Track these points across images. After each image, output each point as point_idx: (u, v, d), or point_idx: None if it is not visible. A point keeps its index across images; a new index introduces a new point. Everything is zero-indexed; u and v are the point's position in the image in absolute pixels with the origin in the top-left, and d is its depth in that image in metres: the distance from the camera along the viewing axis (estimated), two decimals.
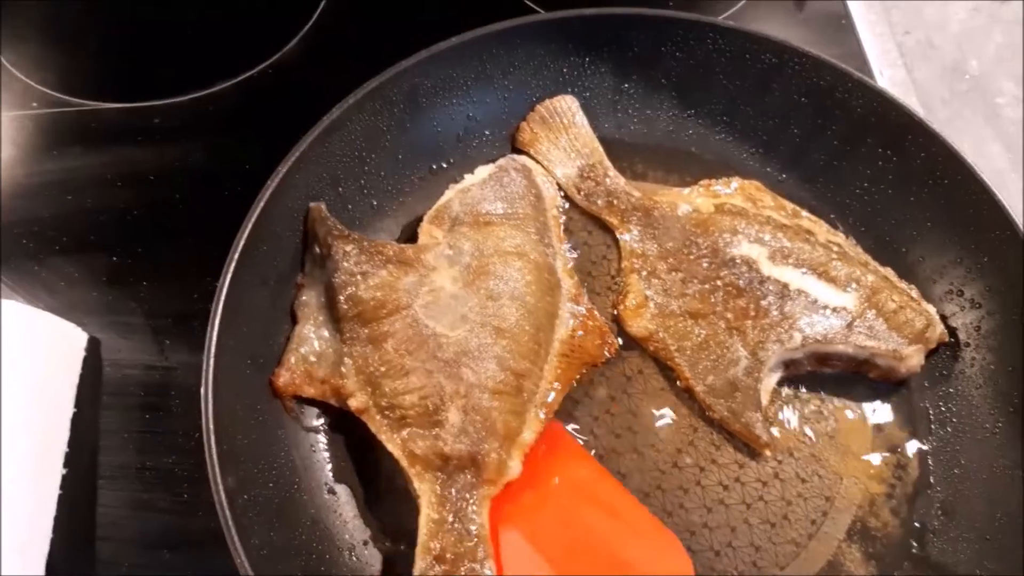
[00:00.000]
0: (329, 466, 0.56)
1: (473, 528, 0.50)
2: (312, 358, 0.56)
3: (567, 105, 0.68)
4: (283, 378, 0.55)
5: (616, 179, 0.66)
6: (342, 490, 0.55)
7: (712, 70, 0.68)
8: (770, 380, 0.59)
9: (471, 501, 0.51)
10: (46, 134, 0.72)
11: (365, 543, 0.54)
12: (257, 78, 0.76)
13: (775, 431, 0.58)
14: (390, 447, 0.52)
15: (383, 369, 0.53)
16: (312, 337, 0.56)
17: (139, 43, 0.80)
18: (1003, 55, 0.92)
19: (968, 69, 0.91)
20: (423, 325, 0.55)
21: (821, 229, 0.63)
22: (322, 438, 0.56)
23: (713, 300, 0.60)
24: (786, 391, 0.60)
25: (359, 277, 0.55)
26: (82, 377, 0.59)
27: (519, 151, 0.68)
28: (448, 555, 0.49)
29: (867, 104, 0.64)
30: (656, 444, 0.58)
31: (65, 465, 0.56)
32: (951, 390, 0.59)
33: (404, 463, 0.52)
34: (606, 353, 0.59)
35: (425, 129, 0.65)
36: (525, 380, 0.55)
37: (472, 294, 0.56)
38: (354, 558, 0.53)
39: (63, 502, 0.54)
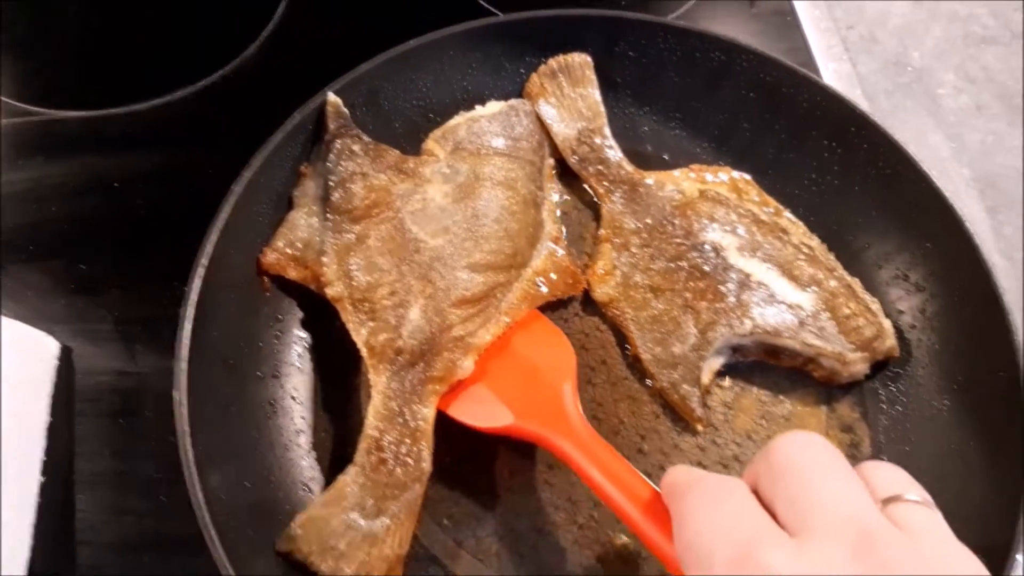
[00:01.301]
0: (304, 464, 0.57)
1: (414, 423, 0.53)
2: (299, 244, 0.59)
3: (580, 63, 0.69)
4: (269, 257, 0.58)
5: (613, 149, 0.68)
6: (317, 488, 0.56)
7: (664, 68, 0.70)
8: (715, 361, 0.61)
9: (417, 396, 0.54)
10: (8, 144, 0.71)
11: None
12: (218, 83, 0.76)
13: (733, 415, 0.60)
14: (355, 339, 0.55)
15: (362, 263, 0.56)
16: (303, 225, 0.59)
17: (98, 51, 0.80)
18: (943, 48, 0.95)
19: (910, 62, 0.94)
20: (407, 229, 0.58)
21: (798, 231, 0.65)
22: (296, 438, 0.58)
23: (675, 278, 0.62)
24: (742, 376, 0.62)
25: (358, 176, 0.59)
26: (56, 386, 0.60)
27: None
28: (386, 444, 0.52)
29: (812, 99, 0.66)
30: (621, 432, 0.60)
31: (42, 473, 0.56)
32: (899, 370, 0.61)
33: (364, 354, 0.55)
34: (573, 292, 0.63)
35: (387, 130, 0.66)
36: (490, 294, 0.58)
37: (459, 210, 0.60)
38: None
39: (41, 509, 0.55)
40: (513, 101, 0.68)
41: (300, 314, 0.61)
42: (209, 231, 0.55)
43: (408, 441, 0.52)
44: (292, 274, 0.59)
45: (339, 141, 0.60)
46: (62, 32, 0.81)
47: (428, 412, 0.54)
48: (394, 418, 0.53)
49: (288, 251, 0.59)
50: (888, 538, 0.32)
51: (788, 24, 0.86)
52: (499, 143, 0.64)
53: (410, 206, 0.59)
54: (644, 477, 0.47)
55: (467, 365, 0.55)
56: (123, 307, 0.64)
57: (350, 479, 0.52)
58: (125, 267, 0.66)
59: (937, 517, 0.35)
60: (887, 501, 0.35)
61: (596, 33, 0.69)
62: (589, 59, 0.69)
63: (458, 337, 0.56)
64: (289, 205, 0.61)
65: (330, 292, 0.57)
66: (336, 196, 0.58)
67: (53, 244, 0.67)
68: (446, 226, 0.59)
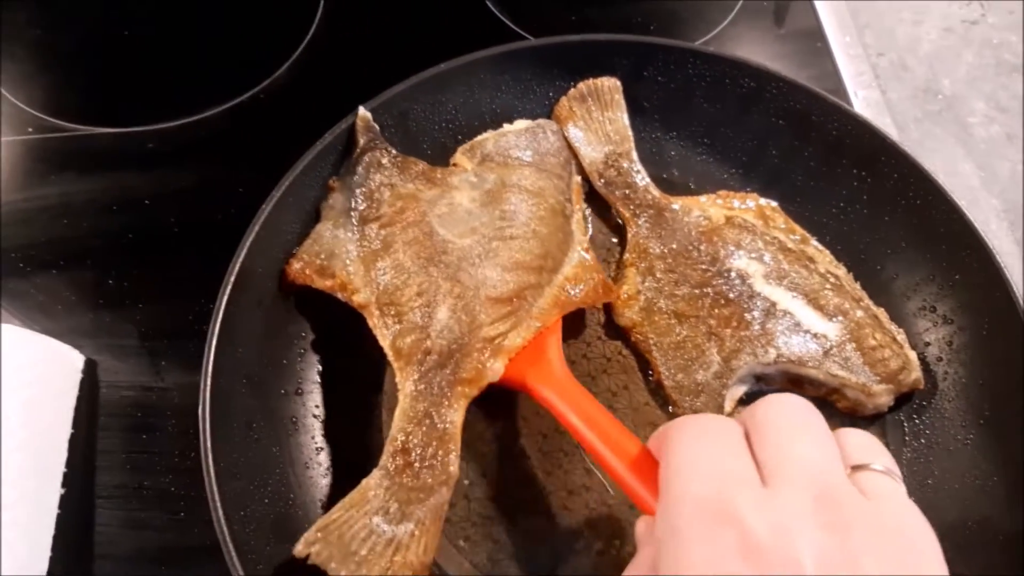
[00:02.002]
0: (323, 482, 0.57)
1: (442, 426, 0.52)
2: (324, 254, 0.58)
3: (609, 88, 0.69)
4: (295, 266, 0.58)
5: (640, 174, 0.68)
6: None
7: (692, 93, 0.70)
8: (737, 389, 0.61)
9: (446, 399, 0.53)
10: (41, 159, 0.73)
11: None
12: (248, 103, 0.78)
13: None
14: (382, 343, 0.55)
15: (388, 266, 0.56)
16: (329, 236, 0.59)
17: (131, 68, 0.81)
18: (974, 75, 0.94)
19: (940, 89, 0.93)
20: (434, 231, 0.58)
21: (824, 259, 0.65)
22: (316, 456, 0.58)
23: (700, 305, 0.62)
24: None
25: (386, 187, 0.59)
26: (79, 399, 0.60)
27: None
28: (413, 447, 0.51)
29: (841, 127, 0.66)
30: None
31: (63, 485, 0.57)
32: (924, 403, 0.60)
33: (391, 358, 0.54)
34: (604, 300, 0.62)
35: (416, 151, 0.66)
36: (521, 295, 0.57)
37: (486, 212, 0.60)
38: None
39: (61, 521, 0.56)
40: (540, 120, 0.68)
41: (324, 332, 0.62)
42: (238, 250, 0.56)
43: (435, 444, 0.51)
44: (318, 283, 0.58)
45: (368, 154, 0.61)
46: (96, 49, 0.83)
47: (456, 415, 0.53)
48: (421, 420, 0.52)
49: (316, 261, 0.58)
50: (849, 498, 0.35)
51: (818, 50, 0.86)
52: (526, 156, 0.64)
53: (437, 210, 0.59)
54: (626, 428, 0.48)
55: (497, 367, 0.54)
56: (150, 322, 0.65)
57: (374, 482, 0.50)
58: (153, 283, 0.67)
59: (899, 488, 0.38)
60: (856, 468, 0.37)
61: (625, 58, 0.69)
62: (618, 83, 0.69)
63: (488, 338, 0.55)
64: (316, 218, 0.61)
65: (357, 299, 0.57)
66: (364, 206, 0.59)
67: (83, 259, 0.68)
68: (474, 227, 0.59)
